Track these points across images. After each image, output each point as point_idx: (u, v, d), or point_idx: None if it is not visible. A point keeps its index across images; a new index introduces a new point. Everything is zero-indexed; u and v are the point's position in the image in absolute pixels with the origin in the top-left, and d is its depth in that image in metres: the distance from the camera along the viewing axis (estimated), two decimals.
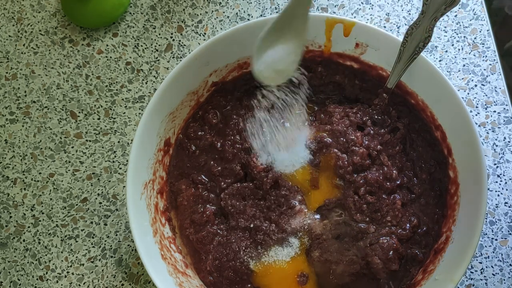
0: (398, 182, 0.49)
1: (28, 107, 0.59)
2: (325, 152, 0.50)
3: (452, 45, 0.58)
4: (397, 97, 0.51)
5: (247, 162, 0.51)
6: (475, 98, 0.56)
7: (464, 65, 0.57)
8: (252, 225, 0.49)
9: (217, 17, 0.61)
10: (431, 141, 0.50)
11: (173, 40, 0.60)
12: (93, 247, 0.54)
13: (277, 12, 0.60)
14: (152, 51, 0.60)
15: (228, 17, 0.61)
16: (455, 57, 0.58)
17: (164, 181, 0.52)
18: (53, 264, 0.54)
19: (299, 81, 0.48)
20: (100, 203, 0.55)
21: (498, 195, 0.54)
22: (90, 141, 0.57)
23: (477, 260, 0.52)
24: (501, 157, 0.55)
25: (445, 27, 0.59)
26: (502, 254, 0.52)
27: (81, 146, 0.57)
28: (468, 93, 0.57)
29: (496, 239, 0.52)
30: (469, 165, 0.46)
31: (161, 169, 0.51)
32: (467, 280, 0.52)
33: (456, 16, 0.59)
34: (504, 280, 0.51)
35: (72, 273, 0.54)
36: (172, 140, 0.52)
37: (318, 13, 0.60)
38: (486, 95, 0.56)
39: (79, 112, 0.58)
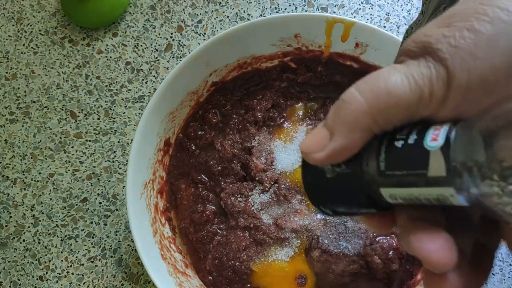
0: None
1: (28, 107, 0.59)
2: None
3: None
4: None
5: (247, 161, 0.51)
6: None
7: None
8: (251, 225, 0.49)
9: (217, 17, 0.61)
10: None
11: (173, 40, 0.60)
12: (93, 247, 0.54)
13: (277, 11, 0.60)
14: (152, 51, 0.60)
15: (228, 17, 0.61)
16: None
17: (164, 181, 0.52)
18: (53, 264, 0.54)
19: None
20: (100, 203, 0.55)
21: None
22: (90, 141, 0.57)
23: None
24: None
25: None
26: (502, 254, 0.52)
27: (81, 146, 0.57)
28: None
29: None
30: None
31: (161, 169, 0.51)
32: None
33: None
34: (504, 280, 0.51)
35: (72, 273, 0.54)
36: (172, 140, 0.52)
37: (318, 13, 0.60)
38: None
39: (79, 112, 0.58)
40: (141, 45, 0.60)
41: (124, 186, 0.56)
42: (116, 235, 0.54)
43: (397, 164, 0.21)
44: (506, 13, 0.18)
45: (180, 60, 0.52)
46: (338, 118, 0.20)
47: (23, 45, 0.61)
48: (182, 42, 0.60)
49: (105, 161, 0.57)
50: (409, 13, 0.59)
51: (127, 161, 0.55)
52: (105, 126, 0.58)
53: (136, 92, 0.59)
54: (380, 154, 0.21)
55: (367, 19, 0.60)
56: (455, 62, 0.18)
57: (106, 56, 0.60)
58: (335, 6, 0.60)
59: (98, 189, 0.56)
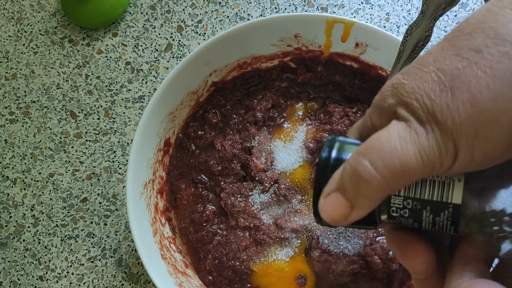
0: None
1: (28, 107, 0.59)
2: None
3: None
4: None
5: (247, 161, 0.51)
6: None
7: None
8: (252, 225, 0.49)
9: (217, 17, 0.61)
10: None
11: (173, 40, 0.60)
12: (93, 247, 0.54)
13: (277, 11, 0.60)
14: (152, 51, 0.60)
15: (228, 17, 0.61)
16: None
17: (164, 181, 0.52)
18: (53, 264, 0.54)
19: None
20: (100, 203, 0.55)
21: None
22: (90, 141, 0.57)
23: None
24: None
25: (445, 26, 0.59)
26: None
27: (81, 146, 0.57)
28: None
29: None
30: None
31: (161, 169, 0.51)
32: None
33: (456, 15, 0.59)
34: None
35: (72, 273, 0.54)
36: (172, 140, 0.52)
37: (318, 13, 0.60)
38: None
39: (79, 112, 0.58)
40: (141, 45, 0.60)
41: (124, 186, 0.56)
42: (116, 235, 0.54)
43: None
44: (508, 86, 0.19)
45: (180, 60, 0.52)
46: (359, 194, 0.22)
47: (23, 45, 0.61)
48: (182, 42, 0.60)
49: (105, 161, 0.57)
50: (409, 13, 0.59)
51: (127, 161, 0.55)
52: (105, 126, 0.58)
53: (136, 92, 0.59)
54: None
55: (367, 19, 0.60)
56: (461, 139, 0.20)
57: (106, 56, 0.60)
58: (335, 6, 0.60)
59: (98, 189, 0.56)
